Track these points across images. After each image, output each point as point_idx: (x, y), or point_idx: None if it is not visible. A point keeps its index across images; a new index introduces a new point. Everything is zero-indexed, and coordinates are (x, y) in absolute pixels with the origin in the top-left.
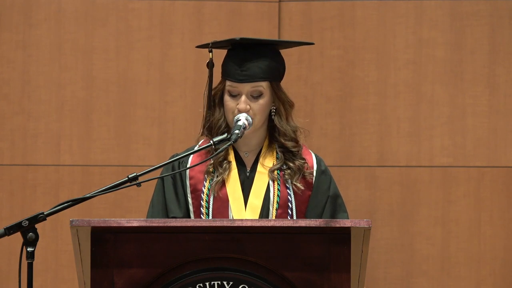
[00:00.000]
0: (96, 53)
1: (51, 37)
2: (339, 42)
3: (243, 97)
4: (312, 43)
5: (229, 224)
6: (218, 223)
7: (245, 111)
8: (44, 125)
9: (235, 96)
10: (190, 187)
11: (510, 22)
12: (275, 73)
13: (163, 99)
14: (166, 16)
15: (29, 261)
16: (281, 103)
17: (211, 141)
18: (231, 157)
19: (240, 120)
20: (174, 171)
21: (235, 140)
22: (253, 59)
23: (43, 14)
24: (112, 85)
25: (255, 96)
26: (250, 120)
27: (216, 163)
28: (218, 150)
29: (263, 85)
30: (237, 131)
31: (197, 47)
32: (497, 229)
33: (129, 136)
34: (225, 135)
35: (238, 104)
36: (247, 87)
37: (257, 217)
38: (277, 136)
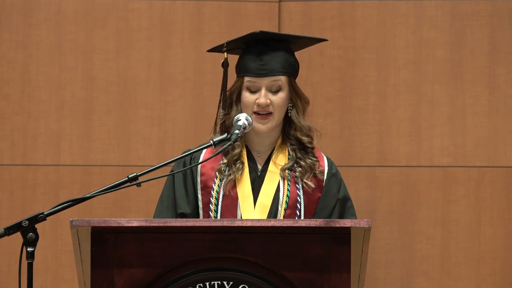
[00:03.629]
0: (96, 53)
1: (51, 37)
2: (339, 42)
3: (263, 91)
4: (326, 40)
5: (229, 224)
6: (218, 223)
7: (265, 105)
8: (44, 125)
9: (254, 92)
10: (200, 184)
11: (510, 22)
12: (292, 68)
13: (163, 99)
14: (166, 16)
15: (29, 261)
16: (298, 99)
17: (211, 141)
18: (244, 157)
19: (240, 120)
20: (186, 166)
21: (235, 140)
22: (270, 53)
23: (43, 14)
24: (112, 85)
25: (274, 90)
26: (250, 120)
27: (229, 162)
28: (218, 150)
29: (282, 80)
30: (237, 131)
31: (209, 50)
32: (497, 229)
33: (129, 136)
34: (225, 135)
35: (257, 98)
36: (266, 81)
37: (265, 216)
38: (294, 131)
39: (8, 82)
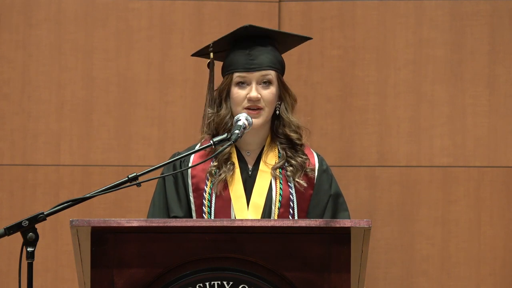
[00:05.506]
0: (96, 53)
1: (51, 37)
2: (339, 42)
3: (254, 85)
4: (310, 38)
5: (229, 224)
6: (218, 223)
7: (256, 99)
8: (44, 125)
9: (244, 87)
10: (192, 186)
11: (510, 22)
12: (280, 65)
13: (163, 99)
14: (166, 16)
15: (29, 261)
16: (287, 94)
17: (211, 141)
18: (234, 157)
19: (240, 120)
20: (176, 170)
21: (235, 140)
22: (259, 49)
23: (43, 14)
24: (112, 85)
25: (265, 84)
26: (250, 120)
27: (219, 163)
28: (218, 150)
29: (272, 74)
30: (237, 131)
31: (193, 55)
32: (497, 229)
33: (129, 136)
34: (225, 135)
35: (248, 93)
36: (256, 75)
37: (259, 216)
38: (282, 128)
39: (8, 82)
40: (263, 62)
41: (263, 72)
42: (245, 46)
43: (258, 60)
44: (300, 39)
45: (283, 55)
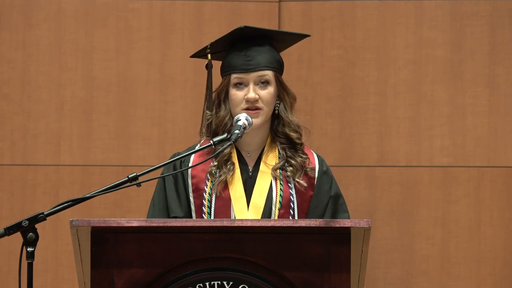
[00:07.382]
0: (96, 53)
1: (51, 37)
2: (339, 42)
3: (251, 86)
4: (308, 35)
5: (229, 224)
6: (218, 223)
7: (254, 100)
8: (44, 125)
9: (242, 88)
10: (192, 186)
11: (510, 22)
12: (278, 64)
13: (163, 99)
14: (166, 16)
15: (29, 261)
16: (286, 94)
17: (211, 141)
18: (234, 158)
19: (240, 120)
20: (176, 170)
21: (235, 140)
22: (256, 49)
23: (43, 14)
24: (112, 85)
25: (263, 84)
26: (250, 120)
27: (219, 163)
28: (218, 150)
29: (269, 74)
30: (237, 131)
31: (192, 56)
32: (497, 229)
33: (129, 136)
34: (225, 135)
35: (246, 94)
36: (253, 76)
37: (259, 216)
38: (282, 128)
39: (8, 82)
40: (260, 62)
41: (260, 73)
42: (242, 47)
43: (255, 61)
44: (298, 37)
45: (282, 54)
